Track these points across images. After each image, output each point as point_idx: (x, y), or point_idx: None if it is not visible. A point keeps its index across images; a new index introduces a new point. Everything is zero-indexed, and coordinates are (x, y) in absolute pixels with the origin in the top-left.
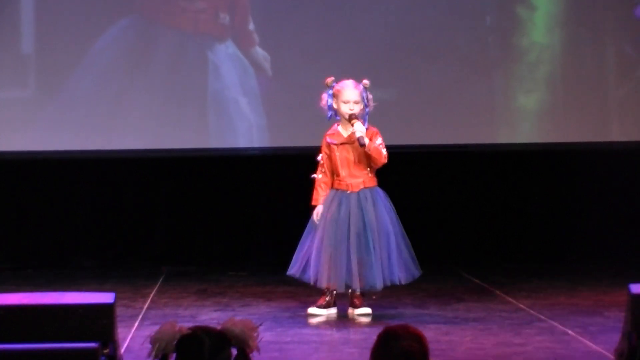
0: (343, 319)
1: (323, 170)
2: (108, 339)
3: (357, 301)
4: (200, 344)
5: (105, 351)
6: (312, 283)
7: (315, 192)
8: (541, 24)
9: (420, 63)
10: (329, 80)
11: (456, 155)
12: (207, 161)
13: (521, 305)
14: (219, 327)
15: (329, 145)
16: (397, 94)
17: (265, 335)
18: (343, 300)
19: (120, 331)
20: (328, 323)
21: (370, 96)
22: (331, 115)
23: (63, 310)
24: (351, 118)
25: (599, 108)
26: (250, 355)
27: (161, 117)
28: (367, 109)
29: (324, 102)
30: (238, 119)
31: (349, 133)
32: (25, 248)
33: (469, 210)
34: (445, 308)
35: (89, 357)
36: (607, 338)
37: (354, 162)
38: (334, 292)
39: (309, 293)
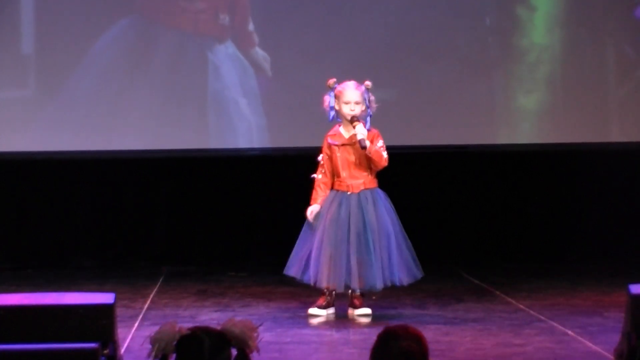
0: (343, 320)
1: (323, 171)
2: (108, 339)
3: (357, 302)
4: (200, 344)
5: (105, 351)
6: (312, 284)
7: (314, 192)
8: (541, 24)
9: (420, 63)
10: (331, 81)
11: (456, 156)
12: (207, 161)
13: (521, 306)
14: (219, 328)
15: (330, 146)
16: (397, 94)
17: (265, 336)
18: (342, 301)
19: (120, 331)
20: (328, 323)
21: (372, 97)
22: (333, 116)
23: (63, 311)
24: (353, 120)
25: (599, 108)
26: (250, 355)
27: (161, 117)
28: (369, 110)
29: (326, 103)
30: (238, 119)
31: (351, 134)
32: (25, 248)
33: (469, 211)
34: (445, 308)
35: (89, 358)
36: (607, 338)
37: (355, 163)
38: (334, 292)
39: (309, 293)
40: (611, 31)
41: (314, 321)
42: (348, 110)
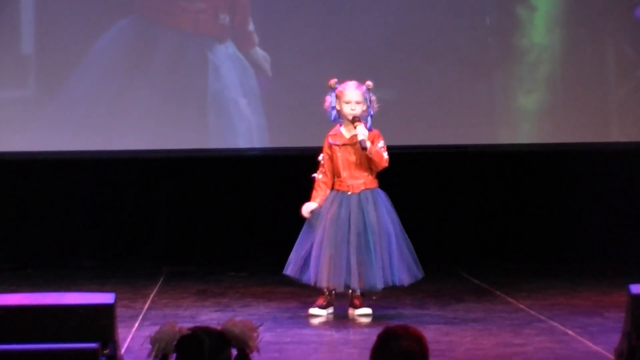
0: (343, 320)
1: (323, 171)
2: (108, 339)
3: (357, 302)
4: (200, 344)
5: (105, 351)
6: (312, 284)
7: (314, 192)
8: (541, 25)
9: (420, 63)
10: (332, 82)
11: (456, 156)
12: (207, 161)
13: (521, 306)
14: (219, 328)
15: (330, 146)
16: (397, 94)
17: (265, 336)
18: (342, 301)
19: (120, 331)
20: (328, 323)
21: (373, 97)
22: (335, 116)
23: (63, 311)
24: (354, 120)
25: (599, 108)
26: (250, 355)
27: (161, 117)
28: (370, 110)
29: (327, 103)
30: (238, 119)
31: (351, 134)
32: (25, 248)
33: (469, 211)
34: (445, 308)
35: (89, 358)
36: (607, 338)
37: (356, 163)
38: (334, 292)
39: (309, 293)
40: (611, 31)
41: (314, 321)
42: (349, 110)
